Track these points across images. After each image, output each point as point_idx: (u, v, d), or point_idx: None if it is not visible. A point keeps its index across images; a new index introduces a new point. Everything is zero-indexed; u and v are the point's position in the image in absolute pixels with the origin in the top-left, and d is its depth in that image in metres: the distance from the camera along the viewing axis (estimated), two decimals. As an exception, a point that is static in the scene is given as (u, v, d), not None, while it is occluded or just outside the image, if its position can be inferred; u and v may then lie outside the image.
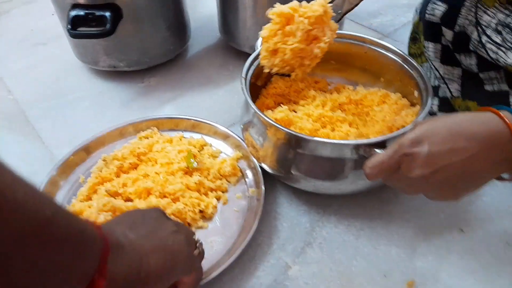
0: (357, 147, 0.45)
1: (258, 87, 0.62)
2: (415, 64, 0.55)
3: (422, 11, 0.64)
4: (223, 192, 0.55)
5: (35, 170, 0.59)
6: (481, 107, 0.41)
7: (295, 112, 0.59)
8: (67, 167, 0.56)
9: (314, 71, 0.65)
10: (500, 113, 0.37)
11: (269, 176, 0.58)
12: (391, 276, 0.47)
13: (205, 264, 0.47)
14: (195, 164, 0.55)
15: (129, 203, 0.49)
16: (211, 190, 0.54)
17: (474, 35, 0.54)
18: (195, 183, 0.53)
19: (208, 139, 0.62)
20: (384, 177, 0.41)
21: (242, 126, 0.56)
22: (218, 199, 0.54)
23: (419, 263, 0.48)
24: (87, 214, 0.46)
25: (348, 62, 0.64)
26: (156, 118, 0.64)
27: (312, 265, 0.48)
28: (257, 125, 0.52)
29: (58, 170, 0.55)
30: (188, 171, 0.54)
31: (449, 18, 0.59)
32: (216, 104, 0.71)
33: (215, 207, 0.53)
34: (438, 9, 0.60)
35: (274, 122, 0.47)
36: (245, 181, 0.56)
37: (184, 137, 0.62)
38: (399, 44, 0.86)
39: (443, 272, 0.47)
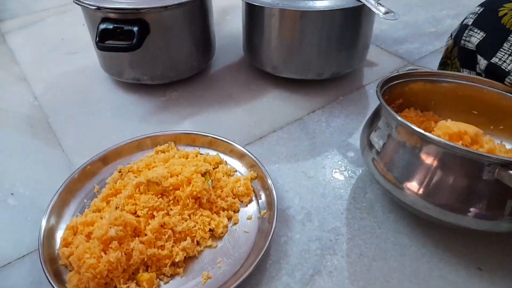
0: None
1: None
2: None
3: (458, 36, 0.64)
4: (234, 211, 0.54)
5: (52, 177, 0.60)
6: None
7: None
8: (83, 176, 0.57)
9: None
10: None
11: (282, 198, 0.57)
12: (402, 312, 0.45)
13: (211, 285, 0.46)
14: (210, 182, 0.55)
15: (142, 218, 0.49)
16: (223, 209, 0.54)
17: None
18: (208, 202, 0.53)
19: (224, 157, 0.62)
20: None
21: (364, 138, 0.55)
22: (229, 218, 0.53)
23: (432, 302, 0.46)
24: (98, 225, 0.47)
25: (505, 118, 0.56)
26: (174, 133, 0.64)
27: (320, 295, 0.47)
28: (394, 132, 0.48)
29: (74, 179, 0.56)
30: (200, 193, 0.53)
31: (486, 47, 0.58)
32: (234, 122, 0.71)
33: (226, 226, 0.52)
34: (475, 37, 0.59)
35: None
36: (258, 202, 0.56)
37: (200, 153, 0.62)
38: (424, 71, 0.85)
39: (458, 313, 0.45)
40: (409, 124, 0.44)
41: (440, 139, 0.43)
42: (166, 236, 0.48)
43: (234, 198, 0.55)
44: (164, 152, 0.61)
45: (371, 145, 0.52)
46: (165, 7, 0.67)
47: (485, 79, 0.56)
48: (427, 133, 0.43)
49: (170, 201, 0.51)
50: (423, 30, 0.99)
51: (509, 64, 0.54)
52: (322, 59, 0.73)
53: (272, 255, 0.51)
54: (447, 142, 0.42)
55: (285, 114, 0.73)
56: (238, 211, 0.55)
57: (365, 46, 0.78)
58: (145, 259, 0.46)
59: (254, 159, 0.59)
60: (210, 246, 0.50)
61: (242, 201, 0.56)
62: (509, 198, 0.42)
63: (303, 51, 0.72)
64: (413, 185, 0.46)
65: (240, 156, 0.62)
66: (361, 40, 0.75)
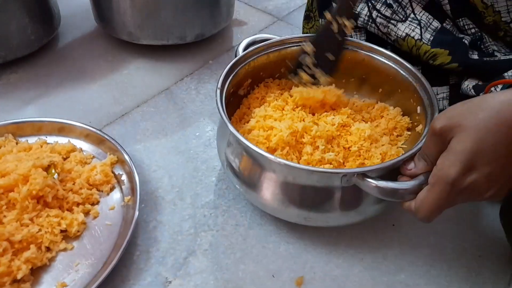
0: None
1: (239, 96, 0.54)
2: (418, 75, 0.48)
3: None
4: (93, 204, 0.48)
5: None
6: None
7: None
8: None
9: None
10: None
11: (149, 180, 0.52)
12: (280, 275, 0.44)
13: (68, 293, 0.40)
14: (55, 176, 0.47)
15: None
16: (77, 204, 0.47)
17: (365, 11, 0.53)
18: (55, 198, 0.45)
19: (79, 143, 0.54)
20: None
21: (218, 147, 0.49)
22: (86, 213, 0.47)
23: (308, 257, 0.46)
24: None
25: (344, 71, 0.55)
26: (12, 122, 0.54)
27: (196, 277, 0.43)
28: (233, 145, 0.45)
29: None
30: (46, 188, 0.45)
31: None
32: (90, 101, 0.63)
33: (83, 223, 0.45)
34: None
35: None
36: (121, 189, 0.50)
37: (47, 143, 0.53)
38: (294, 28, 0.84)
39: (332, 264, 0.45)
40: (256, 149, 0.40)
41: (288, 162, 0.39)
42: (1, 250, 0.40)
43: (91, 189, 0.48)
44: (0, 148, 0.51)
45: (229, 162, 0.46)
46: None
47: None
48: (274, 158, 0.39)
49: (3, 206, 0.42)
50: (290, -15, 0.98)
51: (358, 6, 0.54)
52: (181, 19, 0.67)
53: (140, 244, 0.46)
54: (299, 166, 0.39)
55: (149, 85, 0.66)
56: (97, 203, 0.48)
57: (229, 3, 0.73)
58: (-26, 283, 0.38)
59: (112, 141, 0.52)
60: (64, 249, 0.43)
61: (102, 191, 0.49)
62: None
63: (159, 12, 0.65)
64: (273, 200, 0.43)
65: (99, 141, 0.54)
66: (222, -3, 0.70)
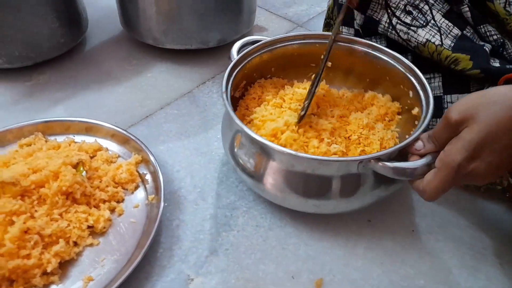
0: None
1: (235, 99, 0.55)
2: (407, 62, 0.51)
3: None
4: (118, 202, 0.49)
5: None
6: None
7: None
8: None
9: (294, 77, 0.59)
10: None
11: (172, 180, 0.53)
12: (299, 276, 0.45)
13: (95, 287, 0.41)
14: (84, 173, 0.48)
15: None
16: (104, 201, 0.48)
17: (384, 18, 0.54)
18: (84, 195, 0.47)
19: (105, 143, 0.56)
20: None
21: (226, 147, 0.49)
22: (112, 210, 0.48)
23: (327, 260, 0.46)
24: None
25: (331, 65, 0.57)
26: (42, 121, 0.56)
27: (217, 275, 0.44)
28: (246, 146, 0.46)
29: None
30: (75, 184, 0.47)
31: (361, 1, 0.58)
32: (116, 102, 0.65)
33: (109, 220, 0.47)
34: None
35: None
36: (145, 187, 0.51)
37: (75, 142, 0.55)
38: (313, 33, 0.85)
39: (350, 266, 0.46)
40: (274, 146, 0.42)
41: (314, 156, 0.42)
42: (32, 243, 0.41)
43: (117, 187, 0.50)
44: (31, 145, 0.53)
45: (242, 163, 0.46)
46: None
47: (313, 33, 0.57)
48: (295, 153, 0.41)
49: (34, 201, 0.44)
50: (310, -8, 0.99)
51: (379, 13, 0.55)
52: (204, 25, 0.68)
53: (163, 242, 0.47)
54: (319, 157, 0.42)
55: (172, 88, 0.68)
56: (122, 200, 0.50)
57: (250, 10, 0.75)
58: (7, 274, 0.39)
59: (138, 141, 0.54)
60: (91, 245, 0.45)
61: (127, 189, 0.51)
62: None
63: (183, 18, 0.66)
64: (293, 193, 0.45)
65: (124, 141, 0.56)
66: (245, 4, 0.72)
